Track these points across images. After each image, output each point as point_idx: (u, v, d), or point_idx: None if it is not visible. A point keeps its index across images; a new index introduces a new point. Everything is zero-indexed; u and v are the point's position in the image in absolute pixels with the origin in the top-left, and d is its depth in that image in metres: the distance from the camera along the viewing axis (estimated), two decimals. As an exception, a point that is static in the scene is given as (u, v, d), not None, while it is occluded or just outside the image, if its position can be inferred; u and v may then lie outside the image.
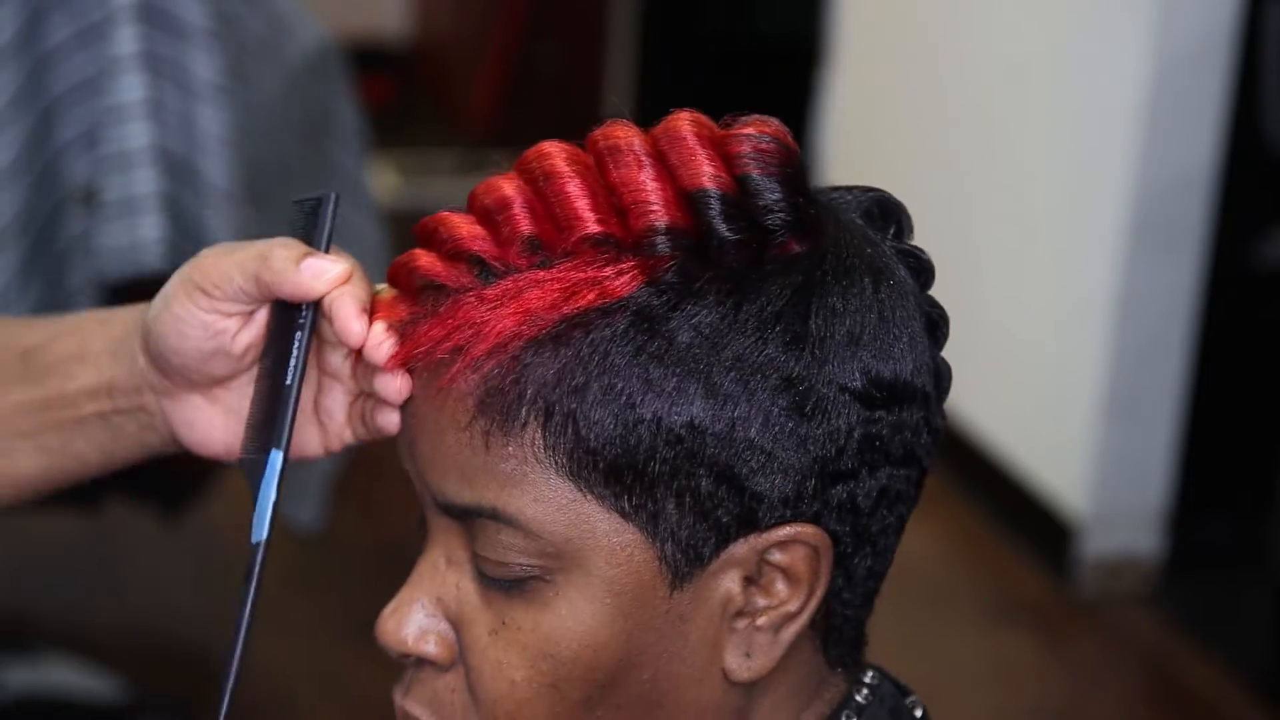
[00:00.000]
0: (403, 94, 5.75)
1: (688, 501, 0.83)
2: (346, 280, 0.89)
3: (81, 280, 2.17)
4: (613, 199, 0.85)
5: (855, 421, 0.85)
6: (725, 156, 0.85)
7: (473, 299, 0.84)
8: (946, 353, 0.92)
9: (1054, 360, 3.47)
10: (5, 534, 3.07)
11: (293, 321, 0.90)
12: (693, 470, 0.83)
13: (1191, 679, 3.15)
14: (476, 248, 0.85)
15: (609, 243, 0.84)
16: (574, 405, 0.82)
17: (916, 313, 0.89)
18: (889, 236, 0.92)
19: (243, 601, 0.87)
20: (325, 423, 0.95)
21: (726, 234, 0.84)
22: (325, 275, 0.89)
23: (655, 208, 0.84)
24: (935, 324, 0.91)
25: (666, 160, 0.85)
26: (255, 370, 0.94)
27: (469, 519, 0.85)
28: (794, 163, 0.86)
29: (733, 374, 0.83)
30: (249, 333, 0.92)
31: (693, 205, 0.84)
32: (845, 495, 0.86)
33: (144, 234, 2.13)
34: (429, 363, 0.85)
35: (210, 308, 0.91)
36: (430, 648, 0.87)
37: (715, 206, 0.84)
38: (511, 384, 0.83)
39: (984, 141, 3.68)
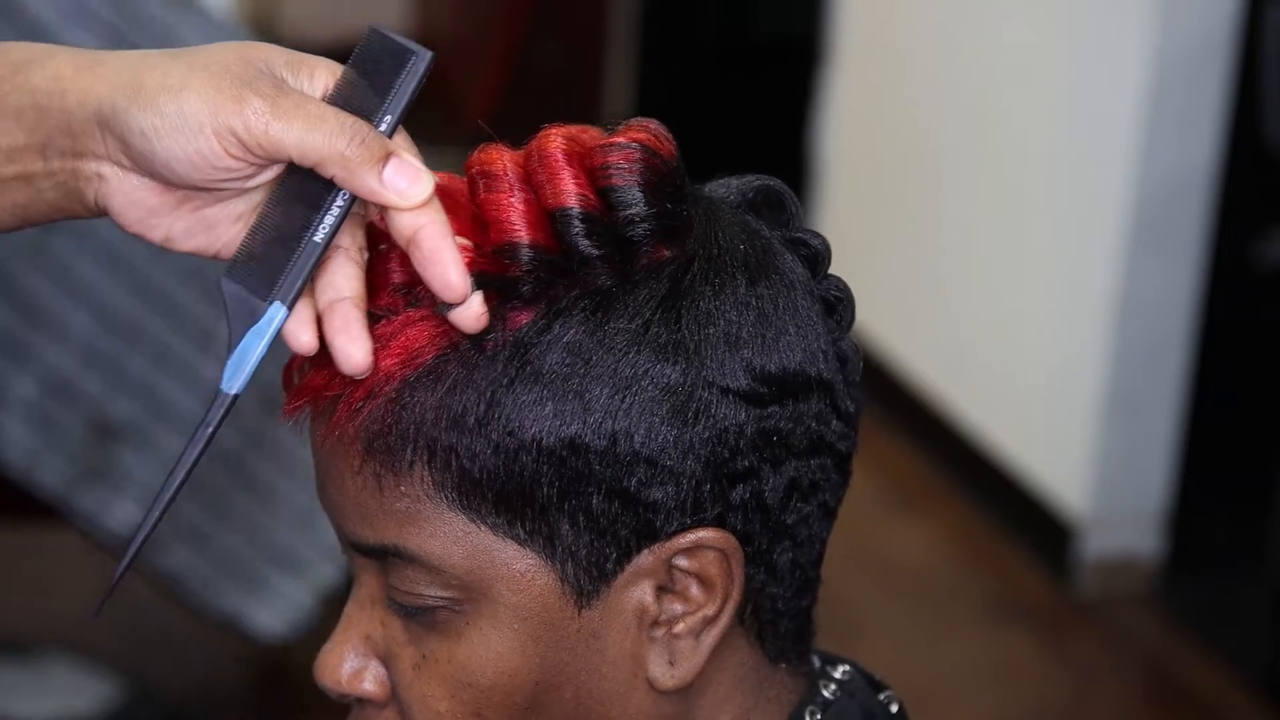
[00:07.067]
0: (403, 94, 5.75)
1: (581, 521, 0.83)
2: (426, 204, 0.82)
3: None
4: (481, 228, 0.84)
5: (745, 420, 0.84)
6: (590, 170, 0.84)
7: None
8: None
9: (1054, 360, 3.47)
10: (5, 533, 3.07)
11: (332, 187, 0.83)
12: (581, 490, 0.83)
13: (1191, 679, 3.15)
14: None
15: (477, 276, 0.83)
16: (454, 440, 0.83)
17: (809, 300, 0.88)
18: (786, 224, 0.91)
19: (194, 441, 0.82)
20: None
21: (588, 251, 0.83)
22: (411, 199, 0.81)
23: (518, 230, 0.83)
24: (833, 307, 0.90)
25: (534, 180, 0.84)
26: (253, 196, 0.85)
27: (379, 557, 0.86)
28: (660, 168, 0.85)
29: (607, 389, 0.82)
30: (270, 173, 0.84)
31: (554, 225, 0.83)
32: (748, 494, 0.85)
33: None
34: (318, 409, 0.86)
35: (242, 157, 0.82)
36: (366, 686, 0.88)
37: (576, 225, 0.83)
38: (392, 425, 0.83)
39: (984, 142, 3.68)
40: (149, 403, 2.40)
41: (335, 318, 0.83)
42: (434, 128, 5.49)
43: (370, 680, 0.88)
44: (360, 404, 0.84)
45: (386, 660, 0.88)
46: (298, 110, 0.81)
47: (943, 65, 3.83)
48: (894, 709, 0.95)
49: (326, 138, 0.81)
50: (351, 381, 0.84)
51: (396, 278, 0.85)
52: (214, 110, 0.81)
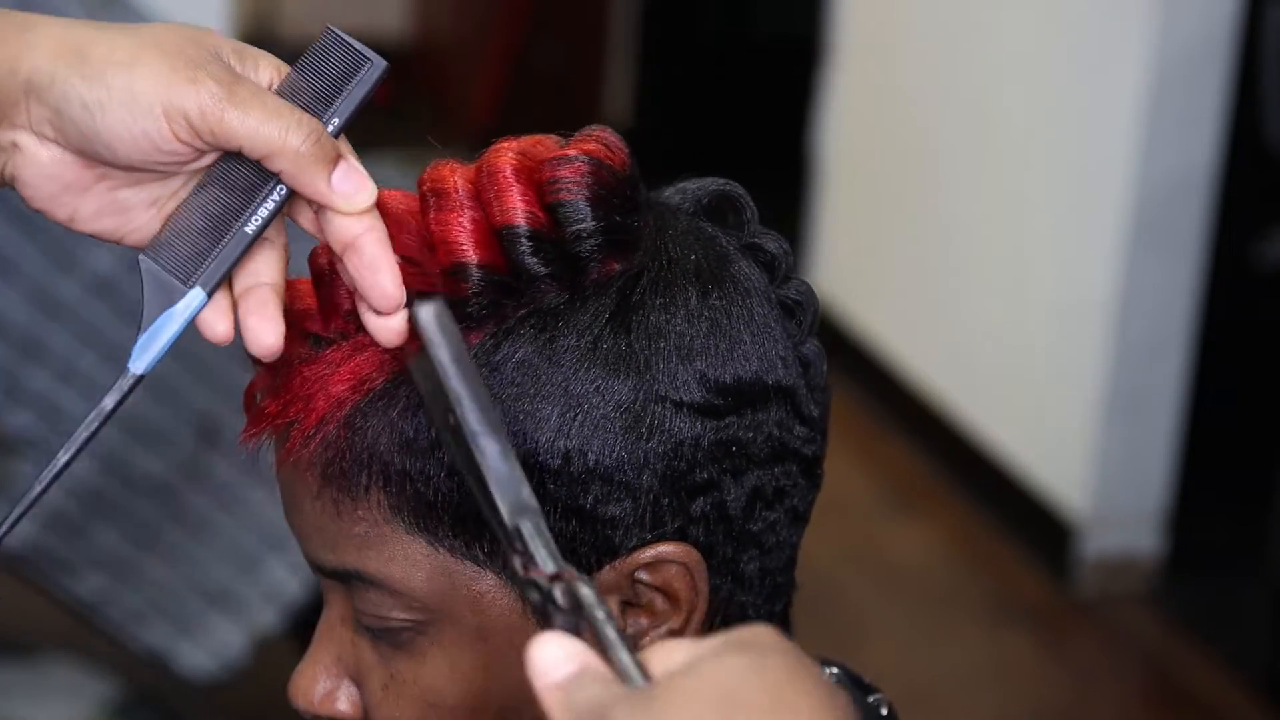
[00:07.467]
0: (402, 94, 5.75)
1: None
2: (368, 211, 0.81)
3: None
4: (428, 248, 0.83)
5: (701, 432, 0.83)
6: (538, 185, 0.83)
7: (304, 371, 0.84)
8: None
9: (1054, 360, 3.47)
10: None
11: (268, 178, 0.81)
12: None
13: (1191, 679, 3.15)
14: (305, 325, 0.85)
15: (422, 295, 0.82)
16: (407, 463, 0.82)
17: (765, 306, 0.87)
18: (744, 228, 0.90)
19: (91, 418, 0.81)
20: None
21: (535, 269, 0.82)
22: (356, 205, 0.80)
23: (465, 250, 0.82)
24: (792, 310, 0.89)
25: (483, 198, 0.83)
26: (172, 183, 0.83)
27: (342, 580, 0.86)
28: (609, 180, 0.84)
29: (558, 407, 0.82)
30: (206, 160, 0.82)
31: (501, 244, 0.83)
32: (709, 506, 0.84)
33: None
34: (276, 436, 0.85)
35: (189, 141, 0.79)
36: (339, 706, 0.88)
37: (523, 243, 0.82)
38: (346, 450, 0.83)
39: (984, 141, 3.68)
40: (50, 417, 2.34)
41: (251, 299, 0.82)
42: (435, 129, 5.50)
43: (343, 701, 0.88)
44: (313, 430, 0.83)
45: (358, 680, 0.88)
46: (254, 100, 0.79)
47: (943, 65, 3.83)
48: (884, 712, 0.93)
49: (282, 132, 0.79)
50: (304, 408, 0.83)
51: (346, 304, 0.84)
52: (168, 89, 0.78)
